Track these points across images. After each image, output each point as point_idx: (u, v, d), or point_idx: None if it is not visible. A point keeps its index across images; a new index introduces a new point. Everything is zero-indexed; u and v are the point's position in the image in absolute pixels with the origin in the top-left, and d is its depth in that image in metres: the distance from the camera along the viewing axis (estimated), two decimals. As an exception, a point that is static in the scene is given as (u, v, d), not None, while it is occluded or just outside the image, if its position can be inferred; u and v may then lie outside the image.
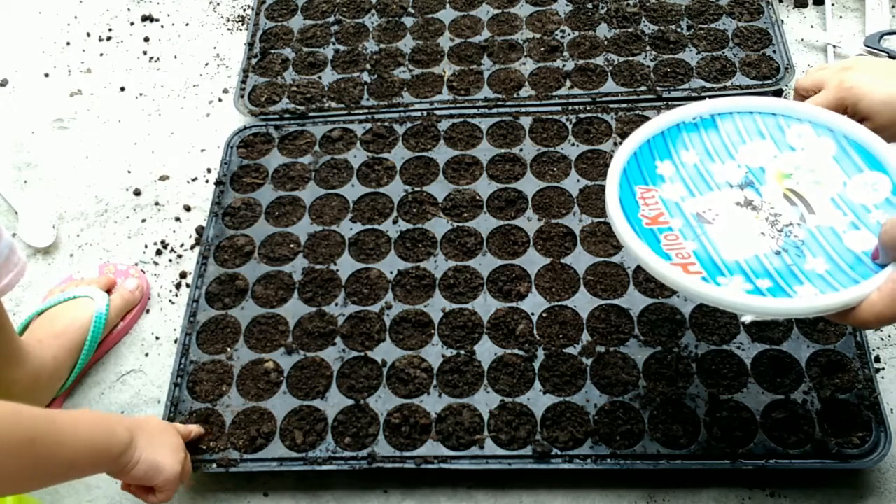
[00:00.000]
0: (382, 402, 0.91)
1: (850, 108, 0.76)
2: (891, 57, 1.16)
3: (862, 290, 0.63)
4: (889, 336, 0.95)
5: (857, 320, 0.63)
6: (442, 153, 1.12)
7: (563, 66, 1.19)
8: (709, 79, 1.15)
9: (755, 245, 0.69)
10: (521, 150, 1.10)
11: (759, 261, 0.67)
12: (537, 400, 0.89)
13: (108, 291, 1.03)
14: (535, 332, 0.94)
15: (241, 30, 1.36)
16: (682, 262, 0.68)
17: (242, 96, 1.23)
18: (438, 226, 1.05)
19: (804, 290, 0.65)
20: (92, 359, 1.00)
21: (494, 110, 1.15)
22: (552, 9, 1.27)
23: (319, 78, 1.23)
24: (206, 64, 1.32)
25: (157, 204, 1.16)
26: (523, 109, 1.15)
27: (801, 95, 0.80)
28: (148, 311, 1.06)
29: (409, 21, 1.29)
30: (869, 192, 0.71)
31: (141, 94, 1.29)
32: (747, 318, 0.88)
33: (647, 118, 1.11)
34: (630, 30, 1.22)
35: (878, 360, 0.92)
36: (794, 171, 0.73)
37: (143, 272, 1.08)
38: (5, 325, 0.86)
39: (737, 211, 0.71)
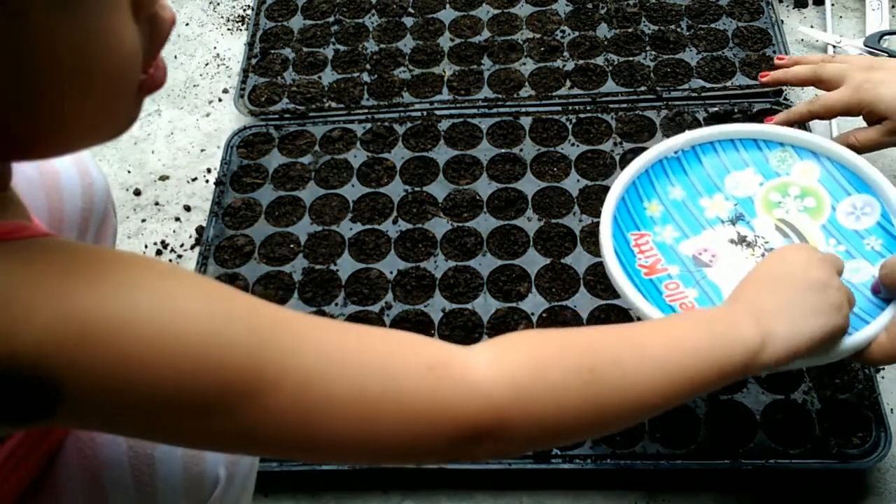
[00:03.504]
0: (382, 402, 0.91)
1: (866, 109, 0.75)
2: (891, 57, 1.16)
3: (869, 333, 0.63)
4: (889, 336, 0.95)
5: (867, 360, 0.65)
6: (442, 153, 1.12)
7: (563, 66, 1.19)
8: (709, 79, 1.15)
9: None
10: (521, 150, 1.10)
11: None
12: (537, 400, 0.89)
13: None
14: (535, 332, 0.94)
15: (241, 30, 1.36)
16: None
17: (242, 96, 1.23)
18: (438, 226, 1.05)
19: None
20: None
21: (494, 110, 1.15)
22: (552, 9, 1.27)
23: (319, 78, 1.23)
24: (206, 64, 1.32)
25: (157, 204, 1.16)
26: (523, 109, 1.15)
27: (820, 81, 0.80)
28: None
29: (409, 21, 1.29)
30: (859, 217, 0.70)
31: (141, 94, 1.29)
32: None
33: (647, 118, 1.11)
34: (630, 30, 1.22)
35: (878, 360, 0.92)
36: (782, 198, 0.73)
37: None
38: None
39: (732, 250, 0.71)
